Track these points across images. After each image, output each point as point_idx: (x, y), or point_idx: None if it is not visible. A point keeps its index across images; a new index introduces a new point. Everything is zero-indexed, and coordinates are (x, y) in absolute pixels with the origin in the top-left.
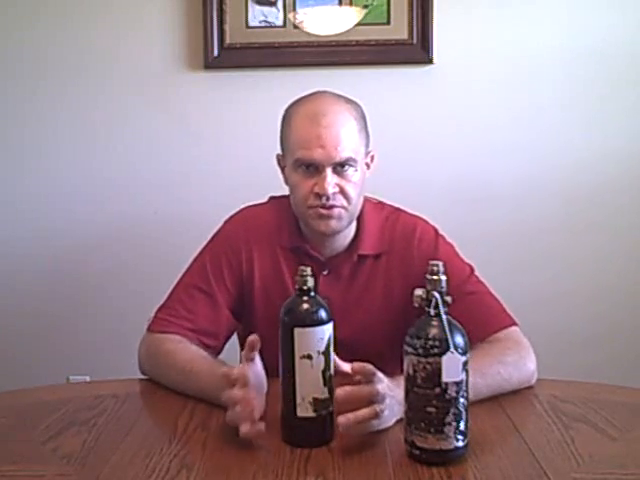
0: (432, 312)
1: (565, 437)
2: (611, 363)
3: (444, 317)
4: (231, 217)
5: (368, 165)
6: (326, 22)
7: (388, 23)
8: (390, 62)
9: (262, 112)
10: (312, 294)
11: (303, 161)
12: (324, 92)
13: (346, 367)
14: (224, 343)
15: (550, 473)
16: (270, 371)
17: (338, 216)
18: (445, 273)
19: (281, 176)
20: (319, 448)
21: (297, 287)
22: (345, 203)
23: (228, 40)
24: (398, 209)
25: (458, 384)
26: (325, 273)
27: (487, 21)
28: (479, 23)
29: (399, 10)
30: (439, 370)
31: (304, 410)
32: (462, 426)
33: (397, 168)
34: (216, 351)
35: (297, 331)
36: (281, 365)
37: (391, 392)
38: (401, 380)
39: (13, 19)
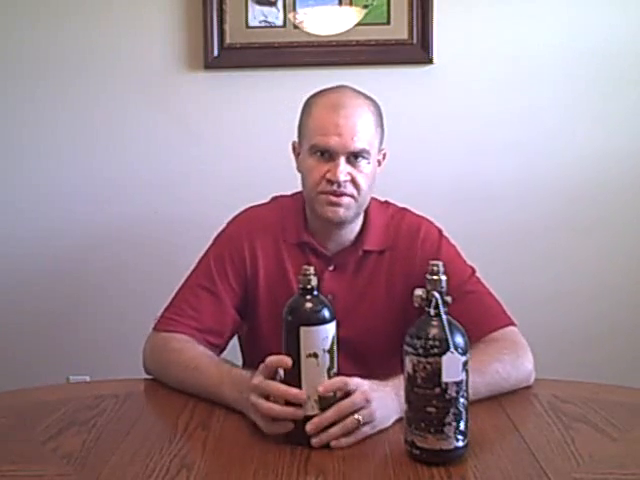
0: (432, 312)
1: (565, 437)
2: (611, 363)
3: (444, 317)
4: (234, 217)
5: (380, 162)
6: (326, 22)
7: (388, 23)
8: (390, 62)
9: (262, 112)
10: (315, 293)
11: (319, 147)
12: (345, 86)
13: (319, 389)
14: (228, 341)
15: (550, 473)
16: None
17: (347, 205)
18: (446, 273)
19: (288, 165)
20: (319, 448)
21: (301, 286)
22: (355, 192)
23: (228, 40)
24: (404, 209)
25: (458, 384)
26: (331, 269)
27: (487, 21)
28: (479, 23)
29: (399, 10)
30: (439, 370)
31: (310, 409)
32: (462, 426)
33: (397, 168)
34: (220, 349)
35: (303, 330)
36: None
37: (376, 393)
38: (395, 379)
39: (13, 19)
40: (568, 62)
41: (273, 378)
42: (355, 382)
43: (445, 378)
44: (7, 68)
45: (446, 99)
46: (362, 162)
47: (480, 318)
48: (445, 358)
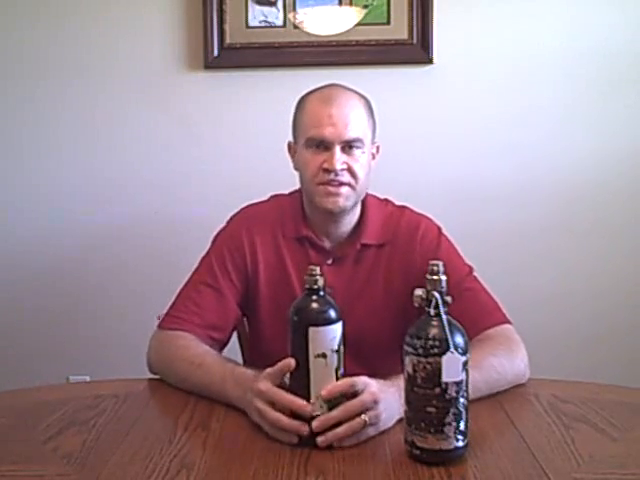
0: (432, 312)
1: (565, 437)
2: (611, 363)
3: (444, 317)
4: (233, 215)
5: (374, 156)
6: (326, 22)
7: (388, 23)
8: (390, 62)
9: (262, 112)
10: (322, 293)
11: (314, 139)
12: (336, 84)
13: (322, 393)
14: (230, 336)
15: (550, 473)
16: (273, 364)
17: (346, 195)
18: (445, 272)
19: (288, 165)
20: (319, 448)
21: (307, 286)
22: (352, 181)
23: (228, 40)
24: (403, 206)
25: (458, 384)
26: (329, 262)
27: (487, 21)
28: (479, 23)
29: (399, 10)
30: (439, 370)
31: (318, 409)
32: (462, 426)
33: (397, 168)
34: (223, 344)
35: (312, 330)
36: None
37: (383, 394)
38: (398, 379)
39: (13, 19)
40: (568, 62)
41: (279, 384)
42: (363, 382)
43: (445, 378)
44: (7, 68)
45: (446, 99)
46: (357, 151)
47: (476, 315)
48: (445, 358)
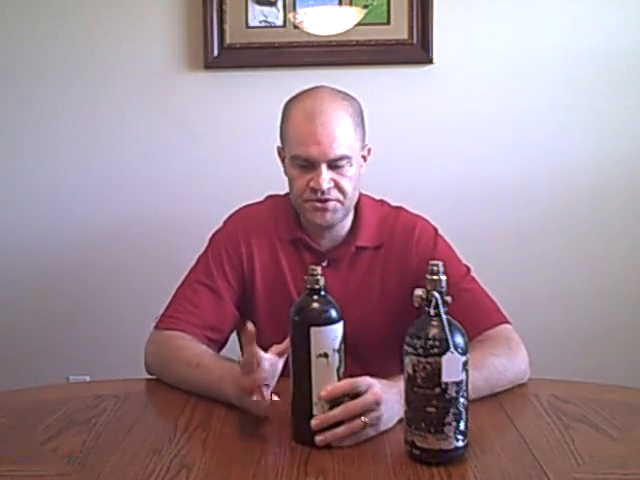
0: (432, 312)
1: (565, 437)
2: (611, 363)
3: (444, 317)
4: (230, 216)
5: (365, 158)
6: (326, 22)
7: (388, 23)
8: (390, 62)
9: (262, 112)
10: (323, 293)
11: (300, 157)
12: (322, 88)
13: (321, 394)
14: (227, 337)
15: (550, 473)
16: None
17: (333, 209)
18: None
19: (281, 167)
20: (319, 448)
21: (308, 286)
22: (340, 197)
23: (228, 40)
24: (399, 207)
25: (458, 384)
26: (324, 265)
27: (487, 21)
28: (479, 23)
29: (399, 10)
30: (439, 370)
31: (320, 409)
32: (462, 426)
33: (396, 168)
34: (220, 344)
35: (313, 330)
36: (293, 364)
37: (385, 395)
38: (399, 380)
39: (13, 19)
40: (568, 63)
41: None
42: (367, 383)
43: (445, 378)
44: (7, 68)
45: (446, 99)
46: (344, 167)
47: (475, 316)
48: (445, 358)
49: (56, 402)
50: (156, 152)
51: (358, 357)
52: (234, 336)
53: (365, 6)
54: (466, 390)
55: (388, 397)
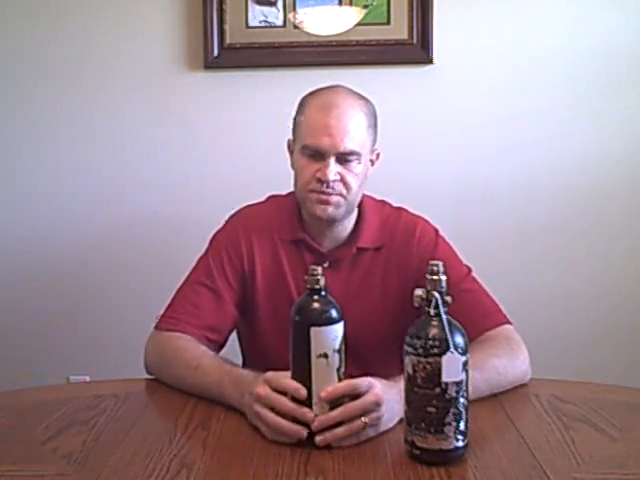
0: (432, 312)
1: (565, 437)
2: (611, 363)
3: (444, 317)
4: (231, 216)
5: (373, 162)
6: (326, 22)
7: (388, 23)
8: (390, 62)
9: (262, 112)
10: (323, 293)
11: (310, 147)
12: (340, 86)
13: (321, 395)
14: (227, 338)
15: (550, 473)
16: (272, 366)
17: (336, 203)
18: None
19: (287, 165)
20: (319, 448)
21: (309, 286)
22: (344, 192)
23: (228, 40)
24: (400, 208)
25: (458, 384)
26: (325, 265)
27: (487, 21)
28: (479, 23)
29: (399, 10)
30: (439, 370)
31: (320, 409)
32: (462, 426)
33: (397, 168)
34: (219, 346)
35: (314, 330)
36: (293, 364)
37: (386, 395)
38: (400, 380)
39: (13, 19)
40: (568, 63)
41: (277, 390)
42: (367, 383)
43: (445, 378)
44: (7, 68)
45: (446, 99)
46: (352, 162)
47: (476, 317)
48: (445, 358)
49: (56, 402)
50: (156, 152)
51: (358, 357)
52: (234, 336)
53: (365, 6)
54: (466, 390)
55: (388, 397)
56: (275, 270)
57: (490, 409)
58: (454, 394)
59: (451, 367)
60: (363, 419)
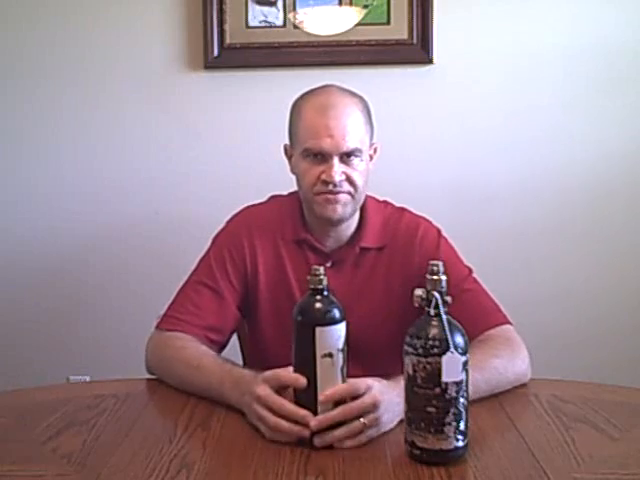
0: (432, 312)
1: (565, 437)
2: (611, 363)
3: (444, 317)
4: (233, 216)
5: (371, 157)
6: (326, 22)
7: (388, 23)
8: (390, 62)
9: (262, 112)
10: (326, 293)
11: (312, 150)
12: (331, 85)
13: (320, 398)
14: (229, 339)
15: (550, 473)
16: (274, 366)
17: (344, 202)
18: (445, 273)
19: (287, 166)
20: (319, 448)
21: (311, 286)
22: (352, 190)
23: (228, 40)
24: (402, 208)
25: (458, 384)
26: (328, 265)
27: (487, 20)
28: (479, 23)
29: (399, 10)
30: (439, 370)
31: (325, 409)
32: (462, 426)
33: (397, 168)
34: (221, 346)
35: (318, 330)
36: (296, 364)
37: (385, 396)
38: (399, 379)
39: (13, 19)
40: (568, 62)
41: (278, 390)
42: (366, 385)
43: (445, 378)
44: (7, 68)
45: (446, 99)
46: (355, 160)
47: (476, 316)
48: (445, 358)
49: (56, 402)
50: (156, 152)
51: (361, 358)
52: (235, 337)
53: (365, 6)
54: (466, 390)
55: (388, 398)
56: (277, 270)
57: (490, 409)
58: (454, 394)
59: (451, 367)
60: (362, 420)
